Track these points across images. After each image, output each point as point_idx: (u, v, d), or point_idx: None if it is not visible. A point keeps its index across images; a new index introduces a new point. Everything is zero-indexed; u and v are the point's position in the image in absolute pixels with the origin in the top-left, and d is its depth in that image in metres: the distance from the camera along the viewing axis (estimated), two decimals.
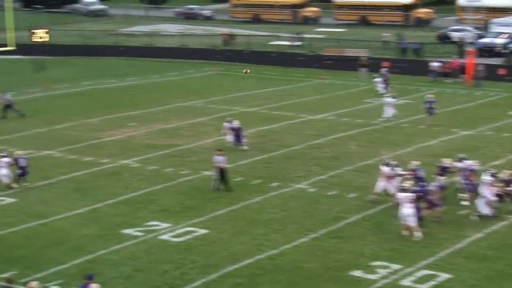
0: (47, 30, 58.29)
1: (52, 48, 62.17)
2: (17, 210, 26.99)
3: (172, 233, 24.86)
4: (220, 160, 28.96)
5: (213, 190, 28.95)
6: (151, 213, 26.76)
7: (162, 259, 22.81)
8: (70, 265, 22.33)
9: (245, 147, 34.47)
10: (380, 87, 47.85)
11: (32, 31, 57.65)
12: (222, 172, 28.83)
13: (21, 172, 29.47)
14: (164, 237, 24.57)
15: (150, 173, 31.60)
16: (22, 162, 29.55)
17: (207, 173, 31.17)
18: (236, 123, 35.04)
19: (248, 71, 49.22)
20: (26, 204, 27.59)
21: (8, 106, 40.98)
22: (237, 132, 34.74)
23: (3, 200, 27.93)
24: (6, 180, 29.26)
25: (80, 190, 29.24)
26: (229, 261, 22.58)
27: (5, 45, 48.73)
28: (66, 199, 28.21)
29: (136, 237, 24.59)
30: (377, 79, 48.61)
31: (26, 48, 58.38)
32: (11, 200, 28.05)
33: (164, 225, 25.58)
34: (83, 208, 27.29)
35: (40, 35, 57.18)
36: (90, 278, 18.41)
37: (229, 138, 34.83)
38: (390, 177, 27.21)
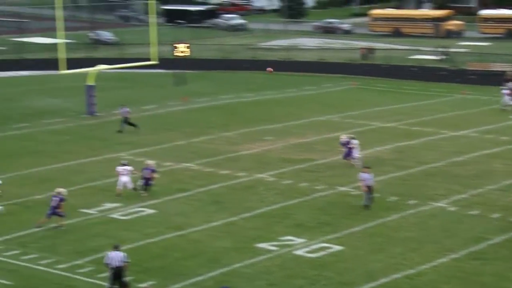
0: (188, 45, 59.91)
1: (193, 62, 63.81)
2: (156, 221, 27.77)
3: (307, 249, 24.86)
4: (366, 177, 28.64)
5: (349, 206, 28.74)
6: (286, 228, 26.86)
7: (297, 274, 22.82)
8: (206, 277, 22.74)
9: (355, 164, 34.11)
10: (507, 99, 47.08)
11: (175, 45, 59.38)
12: (369, 190, 28.55)
13: (144, 182, 30.39)
14: (299, 252, 24.60)
15: (285, 188, 31.76)
16: (146, 173, 30.38)
17: (343, 188, 31.00)
18: (345, 138, 34.73)
19: (271, 70, 48.39)
20: (165, 216, 28.34)
21: (125, 120, 41.97)
22: (349, 147, 34.39)
23: (143, 211, 28.82)
24: (128, 186, 30.33)
25: (217, 203, 29.76)
26: (364, 279, 22.31)
27: (149, 59, 50.44)
28: (202, 212, 28.79)
29: (270, 251, 24.75)
30: (505, 91, 47.63)
31: (168, 62, 60.23)
32: (151, 211, 28.89)
33: (299, 240, 25.61)
34: (219, 220, 27.75)
35: (182, 50, 58.84)
36: None
37: (354, 153, 34.42)
38: None
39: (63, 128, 41.72)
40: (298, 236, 25.91)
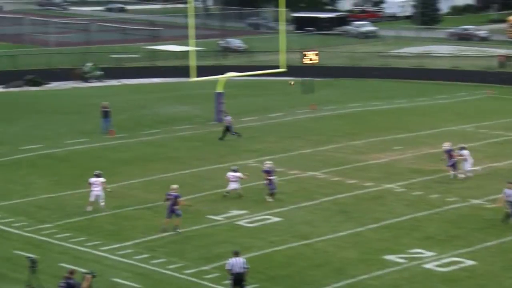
0: (317, 52, 59.96)
1: (321, 69, 63.80)
2: (281, 230, 27.84)
3: (437, 263, 24.29)
4: (510, 194, 27.65)
5: (483, 220, 27.88)
6: (415, 240, 26.37)
7: None
8: (331, 287, 22.60)
9: (464, 176, 32.85)
10: None
11: (304, 52, 59.55)
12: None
13: (272, 187, 30.57)
14: (428, 266, 24.07)
15: (415, 199, 31.16)
16: (272, 179, 30.69)
17: (476, 201, 30.12)
18: (448, 146, 33.74)
19: (293, 82, 46.75)
20: (291, 224, 28.39)
21: (228, 128, 42.17)
22: (452, 155, 33.39)
23: (269, 219, 28.97)
24: (234, 189, 30.82)
25: (343, 213, 29.55)
26: None
27: (277, 67, 50.81)
28: (329, 221, 28.65)
29: (399, 264, 24.35)
30: None
31: (296, 70, 60.46)
32: (277, 219, 28.99)
33: (429, 253, 25.06)
34: (346, 231, 27.53)
35: (311, 57, 58.94)
36: None
37: (466, 165, 33.36)
38: None
39: (193, 135, 42.58)
40: (428, 249, 25.34)
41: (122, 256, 25.03)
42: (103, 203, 29.47)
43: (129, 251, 25.47)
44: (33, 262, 21.46)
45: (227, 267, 21.82)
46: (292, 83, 37.86)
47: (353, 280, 23.14)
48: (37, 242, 26.28)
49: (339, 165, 36.66)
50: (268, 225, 28.32)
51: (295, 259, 24.95)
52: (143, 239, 26.56)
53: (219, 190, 31.70)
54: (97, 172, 30.19)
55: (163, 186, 32.06)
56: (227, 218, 29.00)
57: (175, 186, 27.57)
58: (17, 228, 27.70)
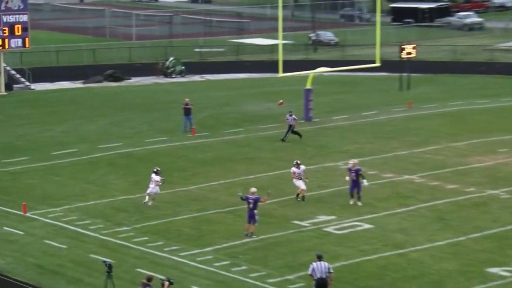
0: (415, 46, 59.14)
1: (420, 64, 62.89)
2: (373, 237, 27.63)
3: None
4: None
5: None
6: None
7: None
8: None
9: None
10: None
11: (401, 46, 58.82)
12: None
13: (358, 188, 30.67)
14: None
15: None
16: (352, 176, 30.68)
17: None
18: None
19: (282, 101, 44.91)
20: (383, 232, 28.16)
21: (290, 128, 41.80)
22: None
23: (359, 226, 28.78)
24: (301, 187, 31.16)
25: (442, 221, 29.08)
26: None
27: (371, 62, 50.34)
28: (425, 229, 28.22)
29: (503, 277, 23.92)
30: None
31: (393, 65, 59.81)
32: (368, 226, 28.78)
33: None
34: (444, 240, 27.07)
35: (408, 51, 58.17)
36: None
37: None
38: None
39: (278, 134, 42.62)
40: None
41: (201, 262, 25.23)
42: (150, 202, 30.35)
43: (209, 257, 25.65)
44: (109, 267, 21.78)
45: (309, 271, 21.81)
46: (281, 103, 38.28)
47: None
48: (113, 246, 26.75)
49: (437, 169, 36.09)
50: (358, 232, 28.17)
51: (387, 270, 24.69)
52: (224, 245, 26.71)
53: (306, 194, 31.54)
54: (155, 169, 30.67)
55: (246, 188, 32.14)
56: (313, 224, 28.92)
57: (254, 189, 27.63)
58: (93, 230, 28.26)
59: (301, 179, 31.14)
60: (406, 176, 35.08)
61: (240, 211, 29.43)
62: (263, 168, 36.43)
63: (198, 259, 25.59)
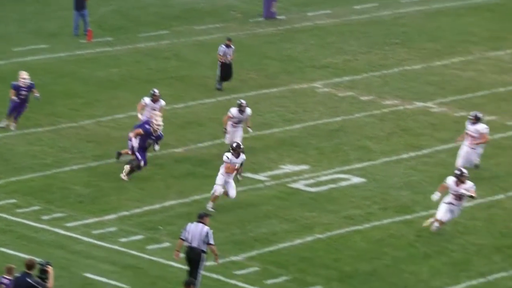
0: None
1: None
2: (366, 198, 28.09)
3: None
4: None
5: None
6: None
7: None
8: None
9: None
10: None
11: None
12: None
13: None
14: None
15: None
16: None
17: None
18: None
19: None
20: (381, 188, 28.71)
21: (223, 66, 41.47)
22: None
23: (346, 180, 29.18)
24: None
25: (470, 170, 29.38)
26: None
27: None
28: None
29: None
30: None
31: None
32: (358, 180, 29.21)
33: None
34: (473, 200, 27.37)
35: None
36: None
37: None
38: None
39: (220, 39, 42.37)
40: None
41: (100, 237, 25.11)
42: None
43: (112, 229, 25.62)
44: None
45: (181, 234, 22.40)
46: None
47: None
48: None
49: (467, 92, 37.20)
50: (342, 190, 28.52)
51: (386, 246, 25.07)
52: (136, 210, 26.77)
53: (252, 139, 31.64)
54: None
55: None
56: (275, 177, 29.14)
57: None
58: None
59: (236, 172, 27.80)
60: (419, 103, 35.57)
61: (161, 158, 29.46)
62: (199, 92, 36.57)
63: (95, 232, 25.62)
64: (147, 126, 28.33)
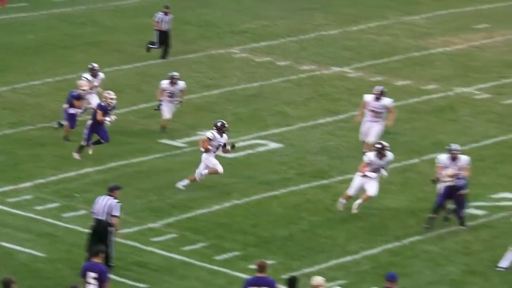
0: None
1: None
2: (282, 163, 27.97)
3: None
4: None
5: None
6: None
7: None
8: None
9: None
10: None
11: None
12: None
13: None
14: None
15: None
16: None
17: None
18: None
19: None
20: (298, 153, 28.61)
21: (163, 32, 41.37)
22: None
23: (263, 145, 29.12)
24: None
25: (387, 135, 29.45)
26: None
27: None
28: (361, 150, 28.54)
29: (475, 216, 24.72)
30: None
31: None
32: (275, 145, 29.12)
33: None
34: (390, 164, 27.49)
35: None
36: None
37: None
38: None
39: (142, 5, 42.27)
40: None
41: (15, 206, 24.78)
42: None
43: (27, 197, 25.29)
44: None
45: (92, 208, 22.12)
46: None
47: None
48: None
49: (383, 56, 37.12)
50: (259, 155, 28.53)
51: (303, 211, 25.06)
52: (52, 178, 26.45)
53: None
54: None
55: None
56: (192, 143, 28.96)
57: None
58: None
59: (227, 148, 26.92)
60: (336, 68, 35.64)
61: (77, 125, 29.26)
62: (115, 58, 36.26)
63: (10, 200, 25.32)
64: (102, 104, 27.85)
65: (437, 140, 29.38)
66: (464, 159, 24.43)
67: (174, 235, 23.59)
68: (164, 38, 36.23)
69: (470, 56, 37.09)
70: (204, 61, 36.23)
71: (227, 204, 25.15)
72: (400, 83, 34.10)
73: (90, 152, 27.55)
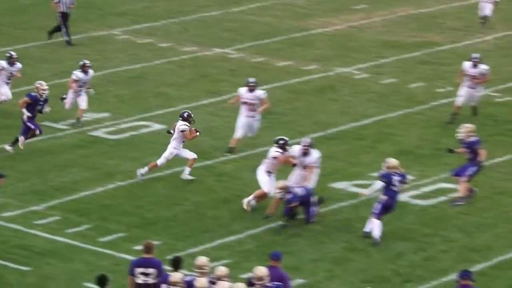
0: None
1: None
2: (165, 144, 27.50)
3: None
4: None
5: None
6: None
7: None
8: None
9: None
10: None
11: None
12: None
13: None
14: None
15: None
16: None
17: None
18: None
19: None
20: None
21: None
22: None
23: (147, 127, 29.25)
24: None
25: (270, 116, 29.72)
26: None
27: None
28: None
29: (352, 194, 24.92)
30: None
31: None
32: (159, 126, 29.25)
33: None
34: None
35: None
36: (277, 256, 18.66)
37: None
38: None
39: None
40: None
41: None
42: None
43: None
44: None
45: None
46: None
47: None
48: None
49: (263, 37, 37.34)
50: (143, 136, 28.64)
51: (187, 192, 25.18)
52: None
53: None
54: None
55: None
56: (74, 126, 29.01)
57: None
58: None
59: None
60: (217, 50, 35.82)
61: None
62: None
63: None
64: (32, 94, 27.38)
65: (318, 120, 29.72)
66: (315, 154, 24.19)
67: (57, 218, 23.52)
68: (66, 19, 35.87)
69: (349, 37, 37.55)
70: (86, 42, 36.08)
71: (111, 186, 25.22)
72: (281, 63, 34.35)
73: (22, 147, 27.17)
